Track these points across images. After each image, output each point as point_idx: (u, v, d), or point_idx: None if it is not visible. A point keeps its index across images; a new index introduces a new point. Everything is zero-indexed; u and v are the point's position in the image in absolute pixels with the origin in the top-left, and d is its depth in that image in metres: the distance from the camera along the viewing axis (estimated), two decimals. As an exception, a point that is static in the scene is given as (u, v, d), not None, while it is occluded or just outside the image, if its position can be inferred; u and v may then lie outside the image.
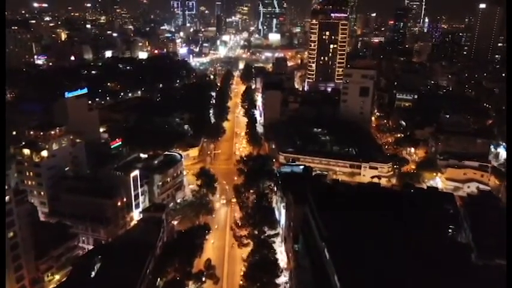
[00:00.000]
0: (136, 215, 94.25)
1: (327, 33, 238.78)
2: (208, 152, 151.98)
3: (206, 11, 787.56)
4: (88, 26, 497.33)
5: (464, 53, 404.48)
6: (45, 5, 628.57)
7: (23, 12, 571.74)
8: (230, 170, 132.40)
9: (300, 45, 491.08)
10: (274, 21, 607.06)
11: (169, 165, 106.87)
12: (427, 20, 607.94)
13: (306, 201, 70.97)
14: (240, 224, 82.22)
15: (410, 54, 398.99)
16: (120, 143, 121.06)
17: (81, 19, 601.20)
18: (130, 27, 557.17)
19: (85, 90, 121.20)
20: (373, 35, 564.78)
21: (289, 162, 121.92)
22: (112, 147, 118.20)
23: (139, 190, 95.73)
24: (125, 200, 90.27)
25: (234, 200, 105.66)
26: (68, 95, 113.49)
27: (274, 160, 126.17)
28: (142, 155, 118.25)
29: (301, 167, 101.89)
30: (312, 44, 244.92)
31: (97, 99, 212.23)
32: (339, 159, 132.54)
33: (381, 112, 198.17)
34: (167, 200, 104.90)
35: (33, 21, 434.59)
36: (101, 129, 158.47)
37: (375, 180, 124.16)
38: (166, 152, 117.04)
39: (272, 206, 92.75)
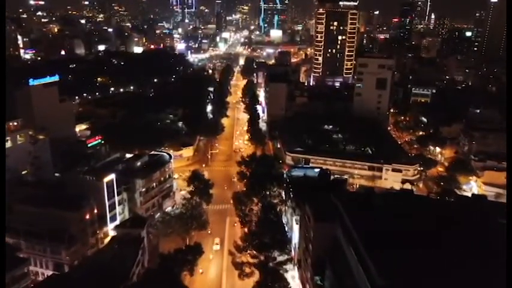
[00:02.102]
0: (112, 230, 75.63)
1: (335, 23, 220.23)
2: (207, 153, 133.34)
3: (206, 10, 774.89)
4: (83, 21, 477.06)
5: (475, 49, 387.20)
6: (41, 2, 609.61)
7: (21, 10, 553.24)
8: (229, 172, 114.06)
9: (303, 42, 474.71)
10: (276, 18, 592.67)
11: (155, 168, 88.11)
12: (433, 16, 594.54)
13: (331, 218, 52.62)
14: (241, 247, 63.35)
15: (418, 50, 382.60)
16: (99, 140, 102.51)
17: (78, 17, 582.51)
18: (128, 24, 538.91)
19: (56, 78, 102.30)
20: (377, 32, 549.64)
21: (301, 163, 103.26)
22: (89, 145, 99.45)
23: (116, 199, 77.19)
24: (96, 211, 71.63)
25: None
26: (32, 82, 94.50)
27: (280, 162, 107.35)
28: (128, 155, 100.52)
29: (317, 169, 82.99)
30: (319, 36, 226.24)
31: (85, 94, 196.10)
32: (357, 160, 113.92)
33: (396, 108, 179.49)
34: (152, 210, 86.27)
35: (25, 16, 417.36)
36: (83, 126, 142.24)
37: (401, 185, 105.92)
38: (152, 152, 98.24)
39: (282, 221, 73.52)
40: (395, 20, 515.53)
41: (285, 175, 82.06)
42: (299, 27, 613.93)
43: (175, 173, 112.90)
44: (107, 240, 74.03)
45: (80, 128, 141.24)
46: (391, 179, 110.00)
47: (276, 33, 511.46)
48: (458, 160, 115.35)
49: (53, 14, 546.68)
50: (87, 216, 69.44)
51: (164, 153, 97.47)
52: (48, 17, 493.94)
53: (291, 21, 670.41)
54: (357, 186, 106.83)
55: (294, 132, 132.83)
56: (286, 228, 74.08)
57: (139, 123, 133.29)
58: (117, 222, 77.44)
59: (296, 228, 68.72)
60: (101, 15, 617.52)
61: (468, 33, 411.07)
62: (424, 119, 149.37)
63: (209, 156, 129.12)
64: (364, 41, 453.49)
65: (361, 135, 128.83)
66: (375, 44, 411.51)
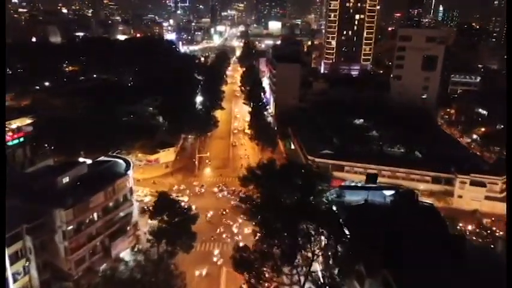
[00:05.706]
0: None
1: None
2: (194, 157, 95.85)
3: (201, 6, 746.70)
4: (64, 10, 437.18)
5: (494, 39, 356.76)
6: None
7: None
8: (226, 185, 77.10)
9: (303, 35, 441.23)
10: (274, 11, 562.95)
11: (98, 185, 50.59)
12: (441, 8, 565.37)
13: None
14: None
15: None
16: (21, 139, 65.17)
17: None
18: (118, 18, 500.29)
19: None
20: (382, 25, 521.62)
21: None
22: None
23: (6, 251, 39.77)
24: None
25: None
26: None
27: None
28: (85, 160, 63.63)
29: (389, 192, 45.36)
30: (332, 15, 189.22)
31: (47, 83, 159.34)
32: (415, 168, 77.45)
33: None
34: (91, 260, 48.85)
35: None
36: (28, 120, 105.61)
37: (482, 206, 69.82)
38: (101, 158, 60.61)
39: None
40: (398, 14, 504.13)
41: (328, 202, 44.04)
42: (298, 22, 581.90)
43: (146, 187, 77.18)
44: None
45: (23, 122, 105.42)
46: (468, 195, 73.92)
47: (274, 25, 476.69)
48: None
49: (35, 4, 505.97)
50: None
51: (119, 160, 59.50)
52: (28, 7, 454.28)
53: (289, 17, 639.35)
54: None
55: (314, 129, 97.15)
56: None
57: (104, 117, 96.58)
58: (13, 293, 40.36)
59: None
60: (90, 11, 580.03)
61: (482, 24, 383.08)
62: (483, 111, 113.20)
63: (196, 162, 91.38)
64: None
65: (405, 132, 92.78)
66: (384, 35, 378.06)
